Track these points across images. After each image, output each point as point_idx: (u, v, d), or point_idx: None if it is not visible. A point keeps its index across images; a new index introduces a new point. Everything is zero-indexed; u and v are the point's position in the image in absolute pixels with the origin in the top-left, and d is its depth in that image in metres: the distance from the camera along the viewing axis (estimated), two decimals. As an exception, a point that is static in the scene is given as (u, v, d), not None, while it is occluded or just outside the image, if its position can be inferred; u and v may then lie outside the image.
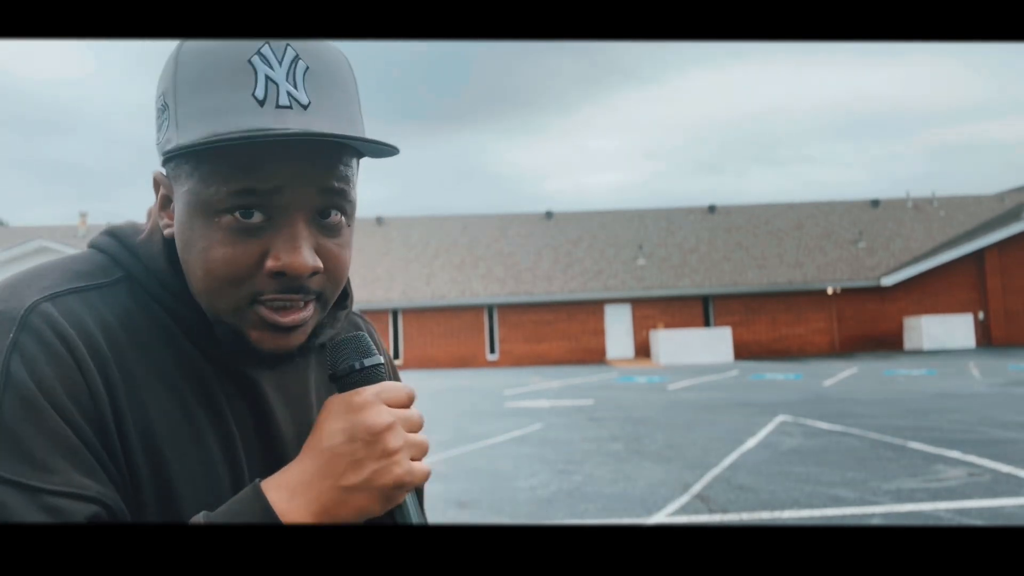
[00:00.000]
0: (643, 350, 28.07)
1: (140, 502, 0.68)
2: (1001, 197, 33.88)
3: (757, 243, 30.72)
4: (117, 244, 0.77)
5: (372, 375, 0.72)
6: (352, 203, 0.74)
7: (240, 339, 0.72)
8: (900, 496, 5.62)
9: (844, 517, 5.13)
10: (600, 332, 28.30)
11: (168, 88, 0.71)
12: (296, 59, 0.68)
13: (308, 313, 0.73)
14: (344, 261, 0.74)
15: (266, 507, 0.64)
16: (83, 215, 32.63)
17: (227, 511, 0.65)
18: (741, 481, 6.33)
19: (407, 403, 0.71)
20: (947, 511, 5.17)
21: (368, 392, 0.69)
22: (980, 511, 5.13)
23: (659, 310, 28.23)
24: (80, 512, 0.61)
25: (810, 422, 9.66)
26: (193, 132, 0.67)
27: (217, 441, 0.73)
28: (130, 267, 0.75)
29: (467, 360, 27.94)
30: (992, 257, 27.35)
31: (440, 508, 5.79)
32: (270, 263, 0.69)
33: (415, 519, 0.70)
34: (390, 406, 0.69)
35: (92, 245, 0.78)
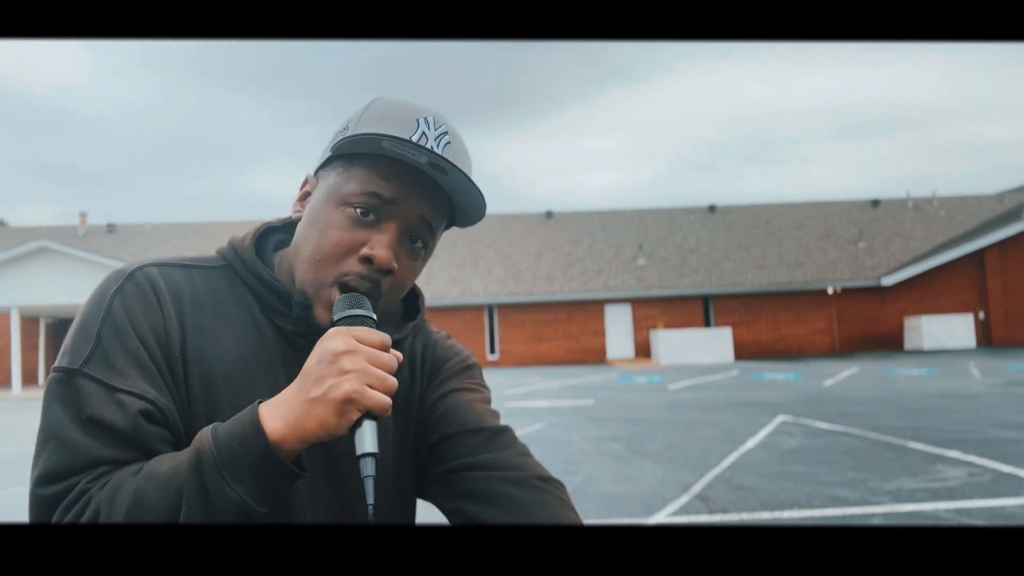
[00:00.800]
0: (643, 350, 28.05)
1: (190, 416, 0.88)
2: (1001, 197, 33.87)
3: (757, 243, 30.70)
4: (227, 245, 1.01)
5: (354, 321, 0.85)
6: (433, 245, 0.96)
7: (307, 311, 0.91)
8: (900, 496, 5.62)
9: (844, 517, 5.13)
10: (600, 332, 28.28)
11: (353, 119, 0.94)
12: (445, 132, 0.92)
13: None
14: (410, 278, 0.95)
15: (255, 415, 0.78)
16: (83, 215, 32.61)
17: (232, 419, 0.80)
18: (741, 481, 6.33)
19: (379, 345, 0.81)
20: (947, 511, 5.17)
21: (342, 328, 0.82)
22: (980, 511, 5.13)
23: (659, 310, 28.22)
24: (136, 406, 0.82)
25: (810, 422, 9.65)
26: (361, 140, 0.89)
27: (264, 385, 0.91)
28: (230, 258, 0.98)
29: (467, 360, 27.88)
30: (992, 257, 27.34)
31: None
32: (365, 249, 0.89)
33: (366, 441, 0.78)
34: (359, 341, 0.80)
35: (216, 250, 1.01)
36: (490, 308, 28.53)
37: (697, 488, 6.14)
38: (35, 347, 26.15)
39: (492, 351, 28.45)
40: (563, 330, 28.29)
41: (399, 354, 0.84)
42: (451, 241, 31.26)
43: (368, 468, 0.78)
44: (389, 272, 0.90)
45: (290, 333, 0.95)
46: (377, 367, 0.80)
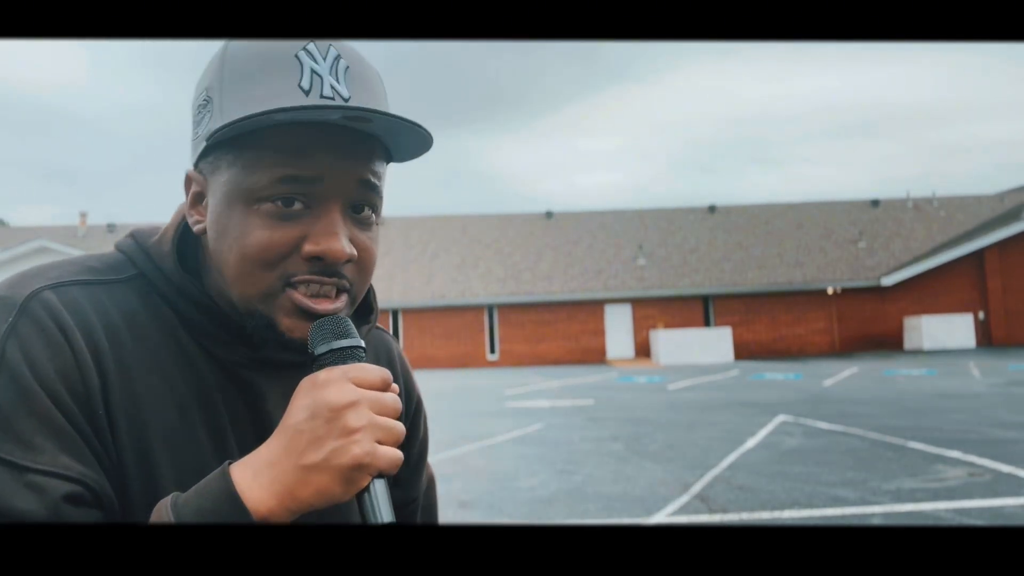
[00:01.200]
0: (643, 350, 28.06)
1: (125, 486, 0.69)
2: (1001, 197, 33.87)
3: (757, 243, 30.71)
4: (134, 244, 0.79)
5: (346, 356, 0.70)
6: (381, 201, 0.77)
7: (272, 330, 0.73)
8: (900, 496, 5.62)
9: (844, 517, 5.13)
10: (600, 332, 28.29)
11: (213, 83, 0.74)
12: (338, 58, 0.73)
13: (340, 304, 0.74)
14: (374, 254, 0.77)
15: (229, 486, 0.63)
16: (83, 215, 32.62)
17: (196, 489, 0.65)
18: (741, 481, 6.33)
19: (380, 386, 0.68)
20: (947, 511, 5.17)
21: (336, 370, 0.67)
22: (980, 511, 5.13)
23: (659, 310, 28.23)
24: (60, 490, 0.63)
25: (810, 422, 9.66)
26: (238, 116, 0.69)
27: (208, 434, 0.75)
28: (143, 266, 0.77)
29: (467, 360, 27.94)
30: (992, 257, 27.35)
31: (440, 508, 5.78)
32: (308, 247, 0.71)
33: (381, 509, 0.65)
34: (360, 386, 0.66)
35: (115, 245, 0.81)
36: (490, 308, 28.53)
37: (697, 488, 6.14)
38: (35, 347, 26.13)
39: (492, 351, 28.45)
40: (563, 330, 28.29)
41: (395, 386, 0.70)
42: (451, 241, 31.27)
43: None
44: (349, 261, 0.73)
45: (231, 364, 0.77)
46: (383, 415, 0.66)
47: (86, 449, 0.67)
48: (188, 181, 0.79)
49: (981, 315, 27.40)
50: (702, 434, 9.05)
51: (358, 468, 0.64)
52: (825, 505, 5.43)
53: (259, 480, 0.64)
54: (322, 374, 0.67)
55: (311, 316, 0.73)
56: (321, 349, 0.70)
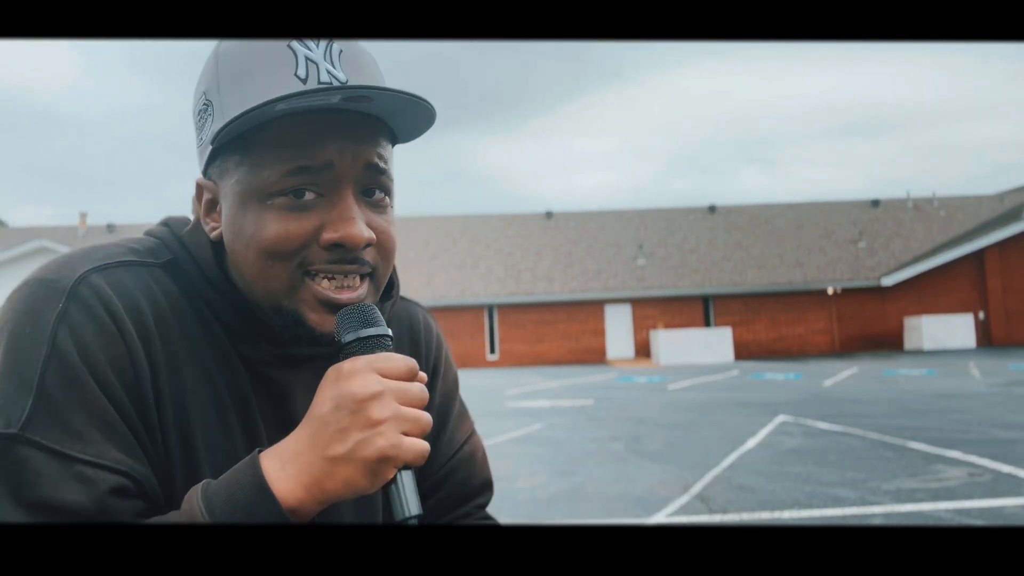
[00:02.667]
0: (643, 350, 28.06)
1: (171, 477, 0.70)
2: (1001, 197, 33.86)
3: (757, 243, 30.71)
4: (168, 232, 0.79)
5: (373, 345, 0.69)
6: (392, 183, 0.76)
7: (302, 326, 0.73)
8: (900, 496, 5.62)
9: (844, 517, 5.13)
10: (600, 332, 28.29)
11: (210, 86, 0.73)
12: (331, 43, 0.72)
13: (364, 291, 0.74)
14: (393, 237, 0.76)
15: (259, 475, 0.63)
16: (83, 215, 32.61)
17: (227, 478, 0.65)
18: (741, 481, 6.33)
19: (406, 376, 0.67)
20: (947, 511, 5.17)
21: (360, 360, 0.66)
22: (980, 511, 5.13)
23: (659, 310, 28.23)
24: (108, 482, 0.63)
25: (810, 422, 9.65)
26: (238, 113, 0.69)
27: (241, 431, 0.75)
28: (176, 253, 0.77)
29: (467, 360, 27.93)
30: (992, 257, 27.34)
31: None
32: (327, 235, 0.70)
33: (409, 502, 0.64)
34: (385, 376, 0.65)
35: (146, 232, 0.80)
36: (490, 308, 28.52)
37: (697, 488, 6.14)
38: (35, 347, 26.13)
39: (492, 351, 28.45)
40: (563, 330, 28.29)
41: (424, 375, 0.69)
42: (451, 241, 31.27)
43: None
44: (367, 245, 0.73)
45: (259, 364, 0.77)
46: (408, 406, 0.65)
47: (134, 441, 0.67)
48: (199, 189, 0.78)
49: (981, 315, 27.40)
50: (702, 434, 9.05)
51: (383, 460, 0.63)
52: (825, 505, 5.43)
53: (287, 471, 0.63)
54: (347, 364, 0.66)
55: (336, 308, 0.72)
56: (348, 338, 0.69)
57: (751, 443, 8.22)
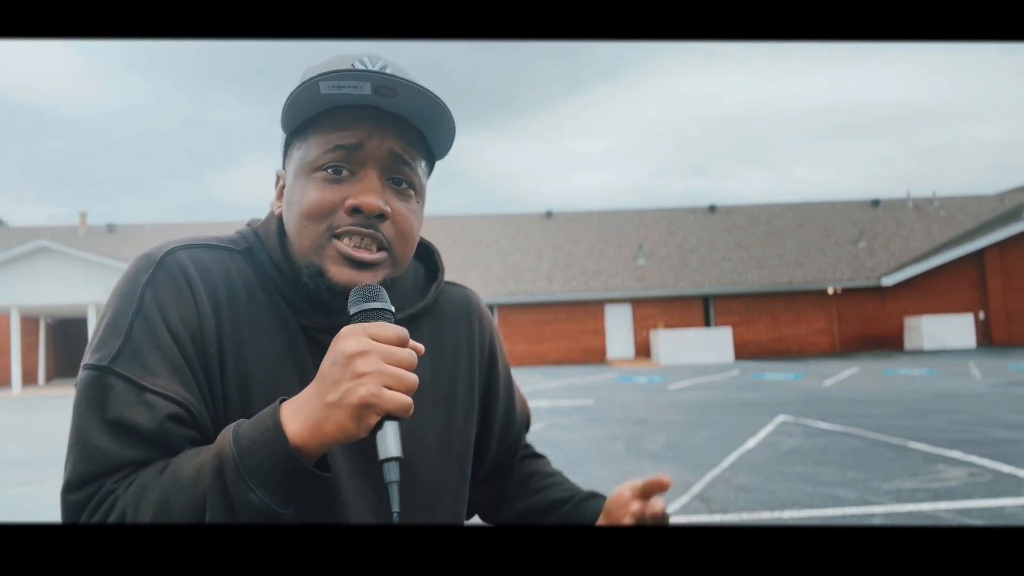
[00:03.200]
0: (643, 350, 28.05)
1: (227, 415, 0.84)
2: (1001, 197, 33.86)
3: (757, 243, 30.70)
4: (248, 228, 0.97)
5: (373, 316, 0.81)
6: (417, 184, 0.91)
7: (321, 276, 0.86)
8: (900, 496, 5.62)
9: (844, 517, 5.13)
10: (600, 332, 28.28)
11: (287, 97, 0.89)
12: (386, 65, 0.89)
13: (379, 257, 0.88)
14: (411, 222, 0.90)
15: (276, 417, 0.76)
16: (83, 215, 32.61)
17: (256, 417, 0.77)
18: (741, 481, 6.33)
19: (395, 341, 0.77)
20: (947, 511, 5.17)
21: (356, 326, 0.78)
22: (980, 511, 5.13)
23: (659, 310, 28.22)
24: (167, 409, 0.79)
25: (810, 422, 9.65)
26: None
27: (296, 384, 0.87)
28: (252, 243, 0.94)
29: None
30: (992, 257, 27.33)
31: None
32: (349, 201, 0.86)
33: (389, 446, 0.75)
34: (375, 339, 0.77)
35: (236, 231, 0.97)
36: (490, 308, 28.47)
37: (697, 488, 6.14)
38: (35, 347, 26.13)
39: (492, 351, 28.42)
40: (563, 330, 28.28)
41: (419, 346, 0.80)
42: (451, 241, 31.27)
43: (392, 473, 0.75)
44: (382, 216, 0.87)
45: (314, 331, 0.91)
46: (394, 365, 0.76)
47: (193, 381, 0.82)
48: (277, 179, 0.97)
49: (981, 315, 27.39)
50: (702, 434, 9.05)
51: (365, 406, 0.74)
52: (825, 505, 5.43)
53: (297, 415, 0.76)
54: (345, 329, 0.78)
55: (354, 263, 0.86)
56: (353, 311, 0.82)
57: (751, 443, 8.22)
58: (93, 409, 0.79)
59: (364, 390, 0.74)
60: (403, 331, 0.78)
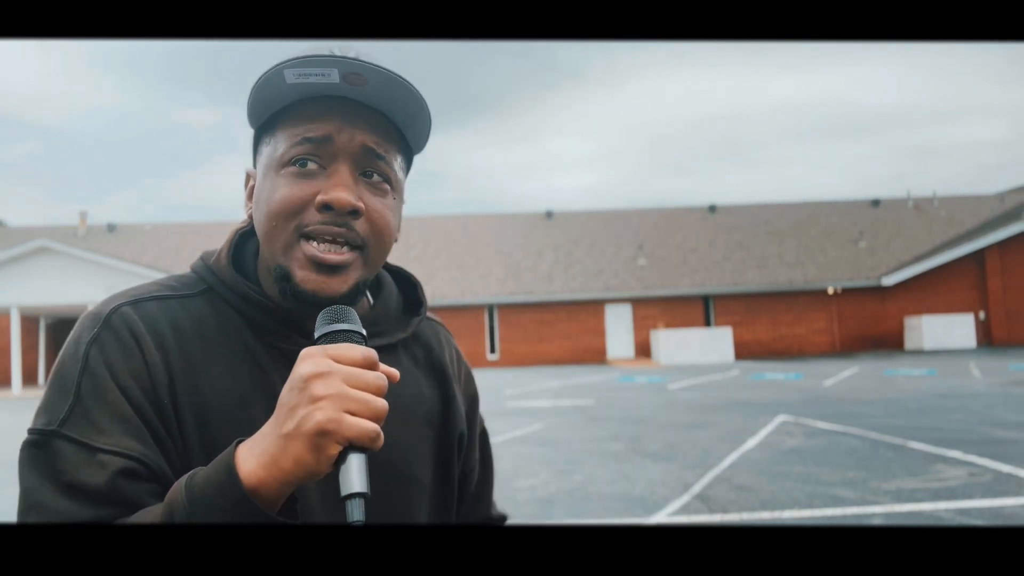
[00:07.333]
0: (643, 350, 28.05)
1: (192, 461, 0.79)
2: (1001, 197, 33.87)
3: (757, 243, 30.70)
4: (202, 264, 0.92)
5: (340, 338, 0.74)
6: (393, 179, 0.86)
7: (289, 281, 0.82)
8: (900, 496, 5.62)
9: (844, 517, 5.13)
10: (600, 332, 28.28)
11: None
12: (357, 54, 0.82)
13: (350, 257, 0.82)
14: (386, 217, 0.85)
15: (229, 458, 0.69)
16: (83, 215, 32.61)
17: (211, 465, 0.71)
18: (741, 481, 6.33)
19: (360, 363, 0.70)
20: (947, 511, 5.17)
21: (317, 348, 0.71)
22: (980, 511, 5.13)
23: (659, 310, 28.21)
24: (118, 465, 0.74)
25: (810, 422, 9.65)
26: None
27: (267, 417, 0.80)
28: (210, 280, 0.89)
29: (467, 360, 27.84)
30: (993, 257, 27.33)
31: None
32: (319, 197, 0.80)
33: (352, 480, 0.65)
34: (337, 361, 0.69)
35: (190, 267, 0.94)
36: (490, 308, 28.52)
37: (697, 488, 6.14)
38: (35, 347, 26.14)
39: (492, 351, 28.45)
40: (563, 330, 28.28)
41: (392, 371, 0.74)
42: (451, 241, 31.28)
43: (355, 512, 0.65)
44: (355, 213, 0.81)
45: (291, 352, 0.83)
46: (359, 388, 0.68)
47: (148, 434, 0.78)
48: (247, 179, 0.92)
49: (981, 315, 27.39)
50: (702, 434, 9.05)
51: (322, 434, 0.66)
52: (825, 505, 5.43)
53: (252, 452, 0.69)
54: (304, 351, 0.72)
55: (321, 268, 0.81)
56: (319, 333, 0.75)
57: (751, 443, 8.22)
58: (45, 475, 0.74)
59: (321, 415, 0.66)
60: (371, 352, 0.71)
